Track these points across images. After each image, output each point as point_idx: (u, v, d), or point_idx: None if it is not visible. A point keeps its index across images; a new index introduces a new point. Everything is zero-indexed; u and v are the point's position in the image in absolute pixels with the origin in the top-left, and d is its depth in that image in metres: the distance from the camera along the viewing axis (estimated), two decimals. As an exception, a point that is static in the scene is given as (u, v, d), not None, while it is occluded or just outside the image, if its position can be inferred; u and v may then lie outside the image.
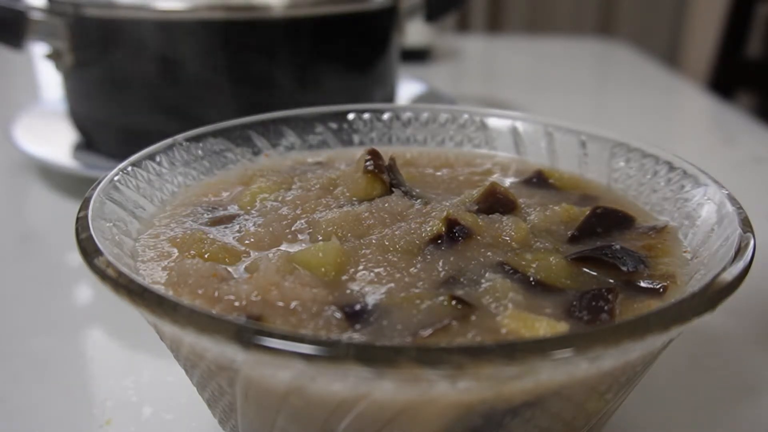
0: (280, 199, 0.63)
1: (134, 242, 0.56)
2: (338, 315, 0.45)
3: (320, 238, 0.55)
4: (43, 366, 0.69)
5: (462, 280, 0.50)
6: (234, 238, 0.57)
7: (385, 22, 1.23)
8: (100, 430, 0.59)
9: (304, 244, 0.55)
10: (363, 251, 0.53)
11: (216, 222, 0.60)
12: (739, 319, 0.76)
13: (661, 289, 0.50)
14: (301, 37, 1.08)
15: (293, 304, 0.45)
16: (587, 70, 2.32)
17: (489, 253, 0.53)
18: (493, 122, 0.78)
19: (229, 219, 0.60)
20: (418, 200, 0.61)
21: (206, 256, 0.53)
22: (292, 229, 0.57)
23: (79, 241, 0.47)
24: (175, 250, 0.54)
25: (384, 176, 0.63)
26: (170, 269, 0.51)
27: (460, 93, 1.79)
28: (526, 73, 2.20)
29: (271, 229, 0.57)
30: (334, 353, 0.34)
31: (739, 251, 0.46)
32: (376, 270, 0.50)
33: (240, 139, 0.73)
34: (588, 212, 0.59)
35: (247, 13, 1.03)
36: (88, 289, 0.85)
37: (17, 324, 0.77)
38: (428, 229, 0.54)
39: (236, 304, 0.46)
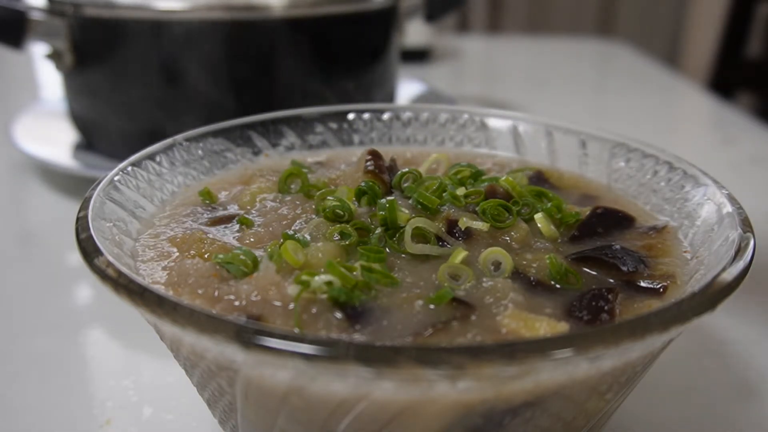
0: (279, 199, 0.63)
1: (134, 242, 0.56)
2: (338, 315, 0.45)
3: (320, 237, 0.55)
4: (43, 366, 0.69)
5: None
6: (234, 237, 0.57)
7: (385, 22, 1.23)
8: (100, 430, 0.59)
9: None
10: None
11: (216, 222, 0.60)
12: (739, 319, 0.76)
13: (661, 289, 0.50)
14: (301, 37, 1.08)
15: (293, 304, 0.45)
16: (587, 70, 2.32)
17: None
18: (493, 122, 0.78)
19: (229, 219, 0.60)
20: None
21: (206, 256, 0.53)
22: (293, 229, 0.57)
23: (79, 241, 0.47)
24: (175, 250, 0.54)
25: (384, 176, 0.63)
26: (170, 269, 0.51)
27: (460, 93, 1.79)
28: (526, 73, 2.20)
29: (271, 229, 0.57)
30: (334, 353, 0.35)
31: (739, 251, 0.46)
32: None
33: (240, 139, 0.73)
34: (588, 212, 0.59)
35: (247, 13, 1.03)
36: (88, 289, 0.85)
37: (17, 324, 0.77)
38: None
39: (236, 304, 0.46)
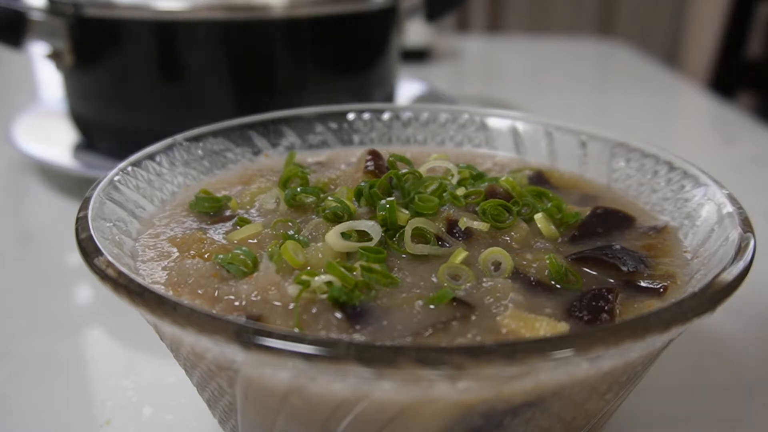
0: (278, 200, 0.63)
1: (134, 242, 0.56)
2: (338, 315, 0.45)
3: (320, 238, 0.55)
4: (43, 366, 0.69)
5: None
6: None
7: (385, 22, 1.23)
8: (100, 430, 0.59)
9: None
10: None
11: (216, 222, 0.60)
12: (739, 319, 0.76)
13: (661, 289, 0.50)
14: (301, 37, 1.08)
15: (293, 304, 0.45)
16: (587, 70, 2.32)
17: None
18: (493, 122, 0.78)
19: (229, 219, 0.60)
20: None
21: (206, 256, 0.53)
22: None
23: (79, 241, 0.47)
24: (175, 250, 0.54)
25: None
26: (170, 269, 0.51)
27: (460, 93, 1.79)
28: (526, 73, 2.20)
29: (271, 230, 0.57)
30: (334, 353, 0.34)
31: (739, 251, 0.46)
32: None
33: (240, 139, 0.73)
34: (588, 212, 0.59)
35: (247, 13, 1.03)
36: (88, 289, 0.85)
37: (17, 324, 0.77)
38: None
39: (236, 304, 0.46)
